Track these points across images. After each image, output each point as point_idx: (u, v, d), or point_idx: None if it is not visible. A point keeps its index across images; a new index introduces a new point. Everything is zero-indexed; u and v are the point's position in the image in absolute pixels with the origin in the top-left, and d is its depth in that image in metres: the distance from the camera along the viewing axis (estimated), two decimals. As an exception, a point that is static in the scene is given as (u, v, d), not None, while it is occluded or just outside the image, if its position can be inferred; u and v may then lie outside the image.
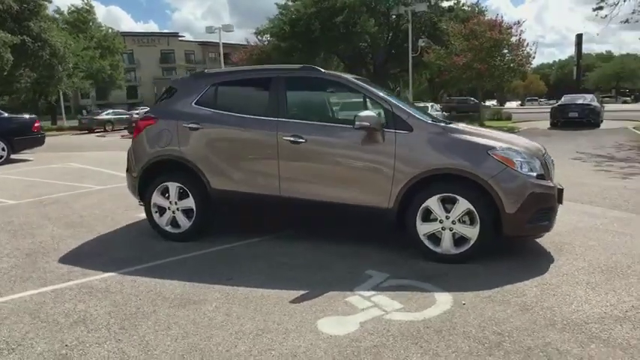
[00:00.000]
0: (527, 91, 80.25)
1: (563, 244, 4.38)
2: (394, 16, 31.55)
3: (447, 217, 3.90)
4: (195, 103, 4.72)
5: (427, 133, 4.05)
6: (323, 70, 4.64)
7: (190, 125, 4.63)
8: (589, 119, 20.22)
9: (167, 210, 4.77)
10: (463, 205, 3.84)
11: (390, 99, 4.33)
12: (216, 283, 3.67)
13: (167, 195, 4.75)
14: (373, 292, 3.42)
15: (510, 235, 3.92)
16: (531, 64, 24.11)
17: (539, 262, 3.97)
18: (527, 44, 22.32)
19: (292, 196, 4.35)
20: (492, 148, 3.93)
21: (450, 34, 24.04)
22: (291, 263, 4.09)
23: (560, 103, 22.49)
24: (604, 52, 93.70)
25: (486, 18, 25.52)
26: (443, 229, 3.94)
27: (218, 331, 2.91)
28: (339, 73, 5.13)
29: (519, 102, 78.55)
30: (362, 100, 4.63)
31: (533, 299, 3.25)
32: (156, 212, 4.82)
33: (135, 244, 4.73)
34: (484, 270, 3.78)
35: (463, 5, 33.56)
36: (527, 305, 3.15)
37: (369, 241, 4.58)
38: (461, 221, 3.89)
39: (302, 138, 4.25)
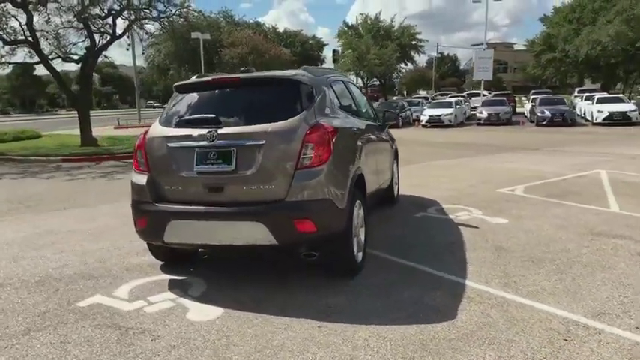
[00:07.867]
0: None
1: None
2: None
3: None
4: (338, 107, 4.07)
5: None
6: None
7: (354, 131, 4.16)
8: None
9: (356, 236, 3.77)
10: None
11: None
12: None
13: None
14: (464, 212, 5.51)
15: None
16: None
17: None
18: None
19: (371, 191, 4.46)
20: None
21: None
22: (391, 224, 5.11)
23: None
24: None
25: None
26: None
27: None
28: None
29: None
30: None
31: (471, 189, 6.46)
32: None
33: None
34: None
35: None
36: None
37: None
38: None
39: (374, 134, 4.88)
